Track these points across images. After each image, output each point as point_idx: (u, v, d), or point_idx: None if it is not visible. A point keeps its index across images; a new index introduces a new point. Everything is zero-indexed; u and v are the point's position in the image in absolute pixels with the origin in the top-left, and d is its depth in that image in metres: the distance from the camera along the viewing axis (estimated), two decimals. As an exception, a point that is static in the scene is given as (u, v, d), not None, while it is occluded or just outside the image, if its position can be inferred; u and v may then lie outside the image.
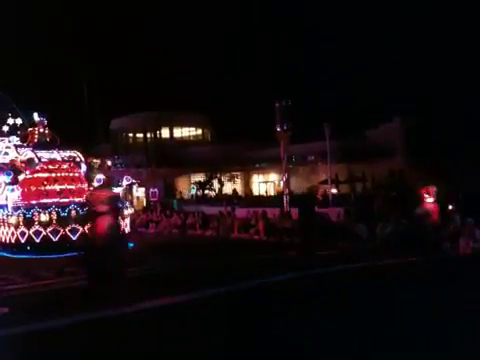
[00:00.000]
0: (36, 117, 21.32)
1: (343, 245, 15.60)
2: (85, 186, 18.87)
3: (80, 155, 21.24)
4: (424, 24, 69.87)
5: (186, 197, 49.79)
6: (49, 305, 8.84)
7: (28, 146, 20.61)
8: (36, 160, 19.19)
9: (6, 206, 18.34)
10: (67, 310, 8.25)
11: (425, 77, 61.40)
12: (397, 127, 46.49)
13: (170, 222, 24.25)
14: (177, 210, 29.15)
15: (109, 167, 21.97)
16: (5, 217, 17.51)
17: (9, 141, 22.21)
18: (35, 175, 18.48)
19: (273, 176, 53.87)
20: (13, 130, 23.23)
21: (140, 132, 66.05)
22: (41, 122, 20.98)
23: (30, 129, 21.45)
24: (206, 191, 50.53)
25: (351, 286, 9.77)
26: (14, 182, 18.56)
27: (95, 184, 19.99)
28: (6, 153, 21.62)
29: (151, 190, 34.05)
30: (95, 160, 20.73)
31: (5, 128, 23.69)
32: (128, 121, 63.93)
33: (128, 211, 19.43)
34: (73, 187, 18.54)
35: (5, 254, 16.59)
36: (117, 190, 20.53)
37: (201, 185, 50.23)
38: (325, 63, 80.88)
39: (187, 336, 6.75)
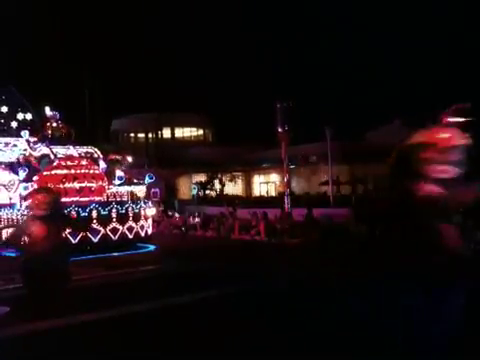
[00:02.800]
0: (48, 111, 20.53)
1: (343, 246, 15.61)
2: (106, 184, 17.86)
3: (98, 151, 20.21)
4: (425, 26, 69.88)
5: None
6: (52, 305, 8.85)
7: (41, 141, 19.84)
8: (51, 156, 18.26)
9: (16, 205, 17.67)
10: (69, 310, 8.27)
11: (425, 78, 61.39)
12: (397, 129, 46.53)
13: (171, 222, 24.28)
14: (178, 210, 29.15)
15: (130, 164, 20.90)
16: (20, 217, 16.39)
17: (17, 139, 21.49)
18: (53, 172, 17.19)
19: (274, 177, 53.90)
20: (23, 125, 22.53)
21: (141, 132, 66.14)
22: (53, 116, 20.23)
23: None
24: (207, 191, 50.55)
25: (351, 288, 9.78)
26: (29, 179, 17.78)
27: (116, 182, 18.91)
28: (15, 145, 21.06)
29: (152, 190, 33.96)
30: (117, 157, 19.44)
31: (14, 124, 22.89)
32: (129, 122, 64.01)
33: (151, 211, 18.51)
34: (94, 185, 17.31)
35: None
36: (139, 188, 19.63)
37: (202, 185, 50.23)
38: (326, 65, 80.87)
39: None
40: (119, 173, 19.13)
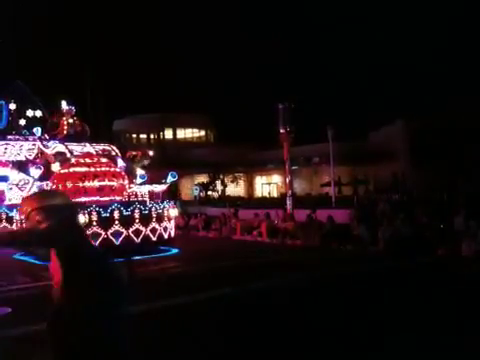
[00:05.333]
0: (64, 105, 19.47)
1: (345, 247, 15.60)
2: (126, 183, 16.68)
3: (115, 148, 19.18)
4: (426, 25, 69.76)
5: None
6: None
7: (55, 138, 18.83)
8: (67, 153, 17.24)
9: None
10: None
11: (428, 80, 61.31)
12: (400, 129, 46.46)
13: (173, 223, 24.23)
14: (180, 211, 29.05)
15: (151, 159, 19.25)
16: None
17: (26, 138, 20.78)
18: (71, 169, 15.92)
19: (276, 177, 53.89)
20: (32, 122, 21.71)
21: (143, 133, 66.16)
22: (69, 111, 19.28)
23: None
24: (209, 192, 50.55)
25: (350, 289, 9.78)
26: (44, 178, 16.81)
27: (138, 180, 17.65)
28: (23, 142, 20.34)
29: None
30: (136, 153, 18.22)
31: (22, 122, 22.03)
32: (131, 122, 64.04)
33: (174, 212, 17.28)
34: (115, 184, 16.02)
35: (32, 260, 14.46)
36: (161, 187, 18.41)
37: (204, 186, 50.22)
38: (327, 65, 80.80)
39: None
40: (140, 171, 18.12)
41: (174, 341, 6.63)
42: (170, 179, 18.34)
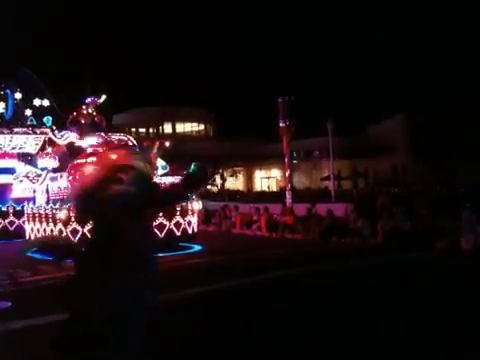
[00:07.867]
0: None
1: (345, 241, 15.62)
2: None
3: (131, 138, 18.62)
4: (427, 20, 69.59)
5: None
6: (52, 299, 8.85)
7: (70, 127, 18.28)
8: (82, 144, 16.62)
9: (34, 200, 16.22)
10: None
11: (428, 79, 61.21)
12: (400, 124, 46.46)
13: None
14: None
15: (166, 149, 18.49)
16: (49, 211, 14.86)
17: (33, 130, 20.34)
18: (89, 159, 14.92)
19: (275, 172, 53.91)
20: (40, 112, 21.21)
21: (142, 127, 66.10)
22: (93, 101, 18.74)
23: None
24: (208, 186, 50.56)
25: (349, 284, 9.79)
26: (58, 169, 16.16)
27: (160, 172, 16.94)
28: (31, 133, 19.96)
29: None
30: (155, 143, 17.47)
31: (28, 112, 21.48)
32: (130, 116, 63.95)
33: (198, 205, 16.41)
34: None
35: (49, 258, 14.22)
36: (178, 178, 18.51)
37: (203, 180, 50.21)
38: (327, 59, 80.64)
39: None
40: (161, 162, 17.35)
41: (171, 337, 6.63)
42: (193, 169, 17.76)
